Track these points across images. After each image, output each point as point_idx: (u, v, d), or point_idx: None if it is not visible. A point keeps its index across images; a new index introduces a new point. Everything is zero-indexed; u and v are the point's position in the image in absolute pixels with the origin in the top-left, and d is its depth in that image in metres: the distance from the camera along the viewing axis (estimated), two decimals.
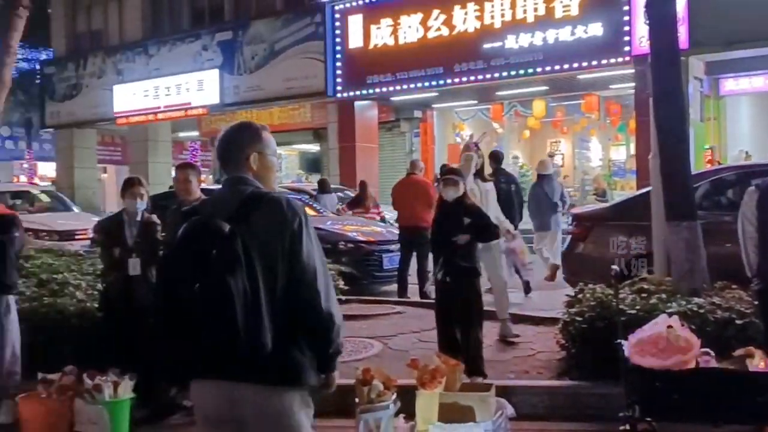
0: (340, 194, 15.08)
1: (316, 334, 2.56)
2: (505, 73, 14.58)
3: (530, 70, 14.29)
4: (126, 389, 4.91)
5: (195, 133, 24.01)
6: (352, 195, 15.65)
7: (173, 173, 21.22)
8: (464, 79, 15.06)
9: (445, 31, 15.17)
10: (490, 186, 6.73)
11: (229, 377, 2.48)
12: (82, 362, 5.16)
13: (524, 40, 14.24)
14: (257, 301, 2.41)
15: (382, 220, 12.39)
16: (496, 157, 9.79)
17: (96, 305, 5.89)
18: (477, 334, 5.54)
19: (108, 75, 21.08)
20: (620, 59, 13.33)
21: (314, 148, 22.62)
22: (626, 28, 13.19)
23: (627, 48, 13.17)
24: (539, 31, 14.09)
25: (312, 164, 24.27)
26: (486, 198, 6.53)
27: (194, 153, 24.64)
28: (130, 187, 5.58)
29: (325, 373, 2.65)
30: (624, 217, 7.39)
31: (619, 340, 4.17)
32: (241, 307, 2.37)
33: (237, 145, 2.69)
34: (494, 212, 6.51)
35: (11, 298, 5.45)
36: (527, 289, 9.25)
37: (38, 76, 23.80)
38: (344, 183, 16.81)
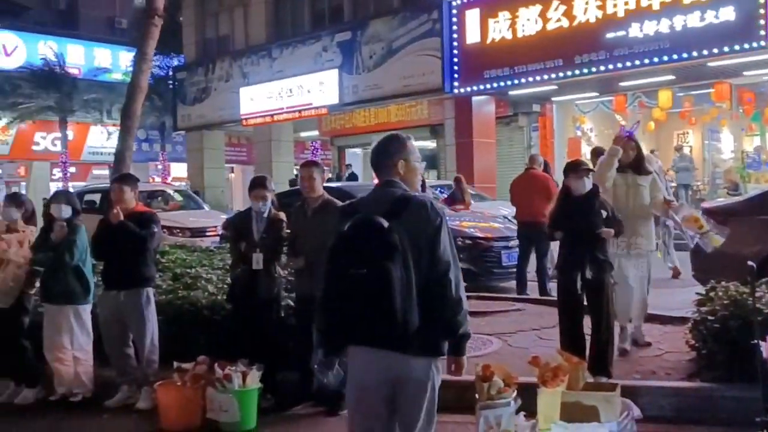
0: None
1: (447, 316, 3.05)
2: (628, 63, 14.04)
3: (656, 59, 13.67)
4: (254, 379, 5.13)
5: (315, 133, 24.63)
6: (470, 191, 15.63)
7: (296, 172, 21.94)
8: (585, 70, 14.61)
9: (565, 23, 14.78)
10: (644, 180, 6.16)
11: (383, 346, 3.00)
12: (213, 352, 5.43)
13: (649, 27, 13.65)
14: (410, 285, 2.92)
15: None
16: (598, 154, 9.64)
17: (226, 298, 6.11)
18: (608, 331, 5.38)
19: (234, 78, 21.97)
20: (755, 44, 12.53)
21: (431, 144, 22.66)
22: (761, 11, 12.38)
23: (762, 32, 12.36)
24: (665, 18, 13.45)
25: (429, 160, 24.29)
26: (635, 191, 6.08)
27: (315, 152, 25.25)
28: (254, 188, 5.76)
29: (455, 356, 3.15)
30: (760, 211, 6.96)
31: (756, 341, 3.94)
32: (398, 290, 2.87)
33: (387, 154, 3.20)
34: (640, 204, 6.12)
35: (150, 291, 5.79)
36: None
37: (170, 82, 25.07)
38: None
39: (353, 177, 20.93)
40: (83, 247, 5.78)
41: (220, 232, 12.74)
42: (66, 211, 5.83)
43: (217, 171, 24.63)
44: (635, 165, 6.17)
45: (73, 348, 5.82)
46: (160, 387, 5.29)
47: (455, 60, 16.54)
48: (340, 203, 5.44)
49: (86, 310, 5.88)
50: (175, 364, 5.32)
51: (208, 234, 13.43)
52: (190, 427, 5.12)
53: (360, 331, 3.00)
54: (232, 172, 31.30)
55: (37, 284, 5.89)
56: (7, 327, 5.88)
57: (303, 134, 24.69)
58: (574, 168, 5.59)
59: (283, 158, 22.35)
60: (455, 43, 16.50)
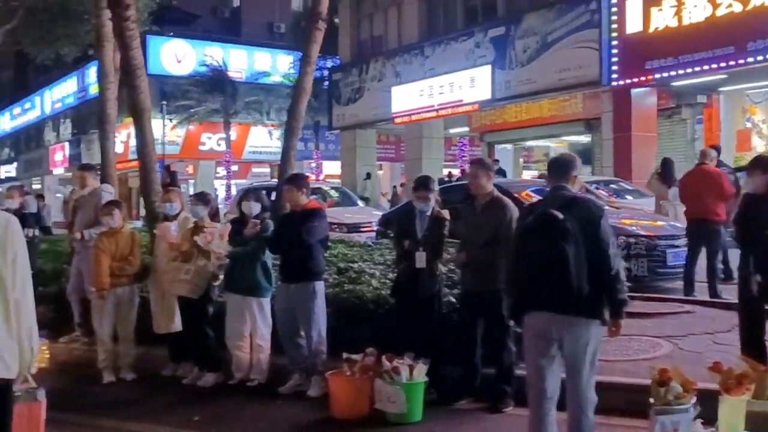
0: (613, 186, 14.55)
1: (609, 286, 3.89)
2: None
3: None
4: (420, 373, 5.23)
5: (465, 129, 24.61)
6: (628, 187, 15.04)
7: (445, 170, 22.01)
8: (759, 57, 13.59)
9: (737, 7, 13.81)
10: None
11: (559, 310, 3.88)
12: (377, 345, 5.56)
13: None
14: (581, 262, 3.79)
15: None
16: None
17: (389, 293, 6.23)
18: None
19: (387, 78, 22.39)
20: None
21: (584, 139, 22.01)
22: None
23: None
24: None
25: (582, 156, 23.50)
26: None
27: (463, 148, 25.22)
28: (417, 190, 5.84)
29: (614, 319, 3.96)
30: None
31: None
32: (573, 265, 3.76)
33: (570, 167, 4.21)
34: None
35: (318, 284, 6.02)
36: None
37: (326, 83, 25.95)
38: (618, 174, 16.14)
39: (501, 173, 20.72)
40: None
41: (375, 228, 13.03)
42: (255, 208, 6.23)
43: (368, 168, 25.25)
44: None
45: (256, 337, 6.19)
46: (331, 376, 5.51)
47: (614, 51, 15.95)
48: (508, 201, 5.47)
49: (268, 302, 6.23)
50: (344, 355, 5.52)
51: (363, 230, 13.77)
52: (358, 416, 5.30)
53: (542, 298, 3.89)
54: (381, 169, 31.93)
55: (221, 276, 6.33)
56: (194, 315, 6.37)
57: (452, 131, 24.75)
58: (750, 165, 5.29)
59: (434, 155, 22.53)
60: (615, 34, 15.91)
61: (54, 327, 7.89)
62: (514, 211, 5.31)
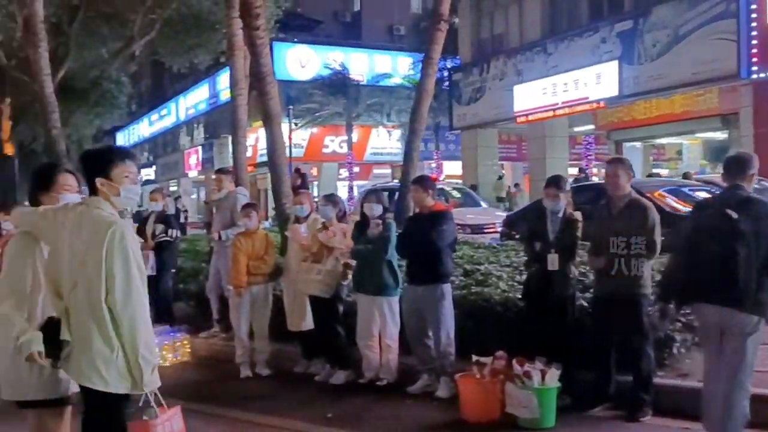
0: (756, 186, 13.64)
1: None
2: None
3: None
4: (553, 378, 5.12)
5: (590, 127, 23.88)
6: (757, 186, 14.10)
7: (570, 170, 21.46)
8: None
9: None
10: None
11: (726, 305, 4.03)
12: (505, 347, 5.49)
13: None
14: (750, 261, 3.95)
15: None
16: None
17: (518, 296, 6.15)
18: None
19: (509, 76, 22.13)
20: None
21: (720, 135, 20.85)
22: None
23: None
24: None
25: (718, 153, 22.31)
26: None
27: (588, 147, 24.51)
28: (547, 187, 5.75)
29: None
30: None
31: None
32: (742, 264, 3.93)
33: (747, 166, 4.25)
34: None
35: (445, 287, 6.01)
36: None
37: (446, 83, 25.93)
38: (760, 173, 15.00)
39: None
40: (394, 243, 6.21)
41: (499, 229, 12.88)
42: (377, 209, 6.32)
43: (489, 168, 25.06)
44: None
45: (385, 337, 6.27)
46: (461, 378, 5.49)
47: (754, 42, 15.05)
48: (649, 203, 5.25)
49: (396, 301, 6.28)
50: (474, 357, 5.49)
51: (486, 231, 13.65)
52: (489, 419, 5.26)
53: (710, 292, 4.06)
54: (502, 168, 31.55)
55: (350, 276, 6.46)
56: (325, 314, 6.54)
57: (577, 129, 24.11)
58: None
59: (558, 154, 22.09)
60: (754, 24, 15.02)
61: (194, 323, 8.36)
62: (656, 215, 5.10)
